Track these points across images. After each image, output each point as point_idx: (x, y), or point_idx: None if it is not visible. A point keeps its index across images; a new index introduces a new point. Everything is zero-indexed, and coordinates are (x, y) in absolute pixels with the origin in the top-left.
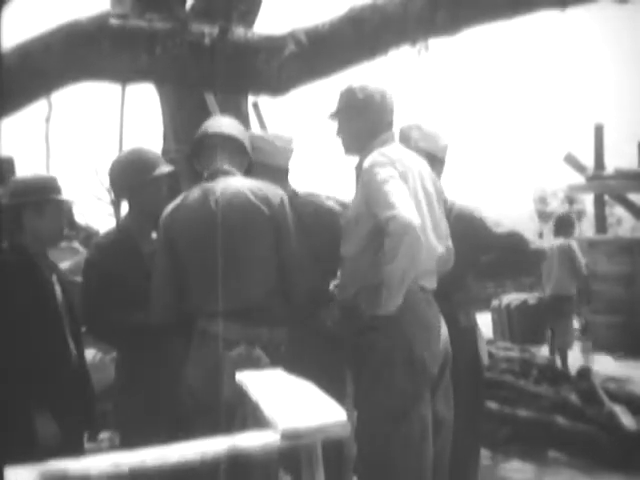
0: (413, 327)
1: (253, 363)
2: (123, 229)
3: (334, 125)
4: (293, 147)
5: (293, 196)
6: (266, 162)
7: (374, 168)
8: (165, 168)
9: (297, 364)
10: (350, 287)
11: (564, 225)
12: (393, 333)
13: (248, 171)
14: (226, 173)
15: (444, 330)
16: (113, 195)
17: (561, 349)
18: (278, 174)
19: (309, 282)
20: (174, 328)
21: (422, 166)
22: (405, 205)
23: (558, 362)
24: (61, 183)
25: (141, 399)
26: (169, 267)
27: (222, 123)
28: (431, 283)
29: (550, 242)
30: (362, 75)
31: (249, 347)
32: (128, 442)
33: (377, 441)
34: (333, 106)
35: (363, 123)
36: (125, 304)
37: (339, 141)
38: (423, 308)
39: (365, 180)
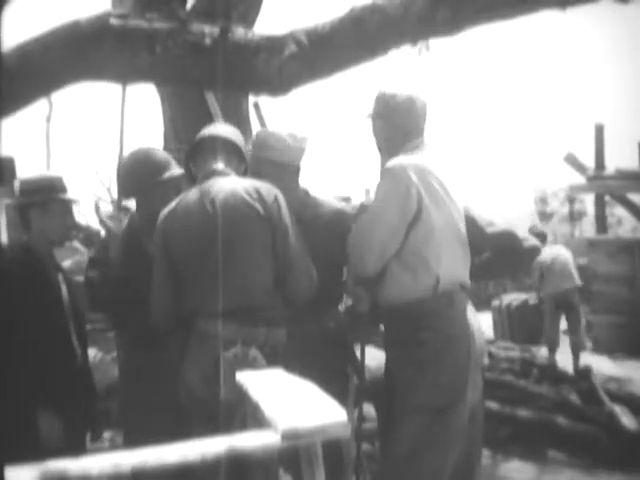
0: (457, 324)
1: (249, 364)
2: (130, 229)
3: (369, 125)
4: (305, 146)
5: (305, 196)
6: (275, 160)
7: (386, 177)
8: (175, 171)
9: (298, 364)
10: (396, 298)
11: (540, 237)
12: (440, 331)
13: (244, 176)
14: (221, 173)
15: (479, 327)
16: (121, 194)
17: (574, 349)
18: (288, 173)
19: (312, 281)
20: (176, 328)
21: (442, 170)
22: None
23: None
24: (66, 183)
25: (143, 398)
26: (167, 270)
27: (220, 128)
28: (467, 281)
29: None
30: (366, 76)
31: (245, 348)
32: (131, 441)
33: (409, 433)
34: (369, 107)
35: (394, 128)
36: (130, 302)
37: (373, 142)
38: (463, 305)
39: (378, 184)
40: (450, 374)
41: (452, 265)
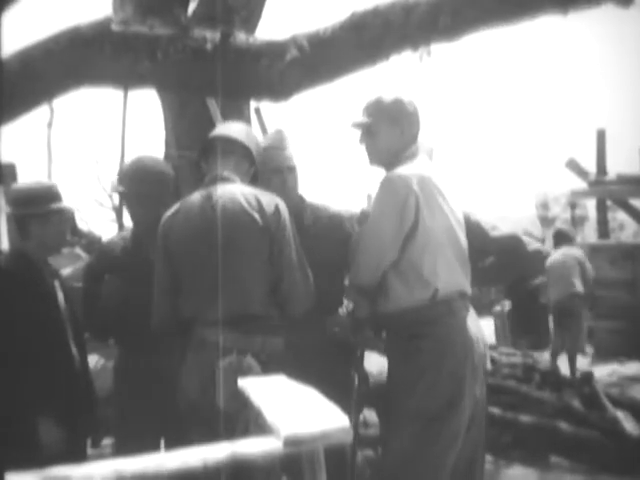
0: (456, 332)
1: (243, 372)
2: (131, 234)
3: (357, 133)
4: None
5: (300, 201)
6: (288, 164)
7: (385, 187)
8: (124, 189)
9: (300, 371)
10: (393, 306)
11: (564, 238)
12: (439, 338)
13: (254, 180)
14: (226, 179)
15: (482, 333)
16: (121, 199)
17: (571, 352)
18: (291, 174)
19: (308, 294)
20: (173, 334)
21: (441, 178)
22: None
23: (559, 366)
24: (61, 190)
25: (139, 405)
26: (167, 275)
27: (231, 128)
28: (468, 289)
29: (556, 250)
30: (368, 81)
31: (240, 356)
32: (125, 448)
33: (405, 440)
34: (362, 114)
35: (402, 136)
36: (130, 310)
37: (365, 150)
38: (463, 313)
39: (377, 193)
40: (447, 382)
41: (450, 274)
